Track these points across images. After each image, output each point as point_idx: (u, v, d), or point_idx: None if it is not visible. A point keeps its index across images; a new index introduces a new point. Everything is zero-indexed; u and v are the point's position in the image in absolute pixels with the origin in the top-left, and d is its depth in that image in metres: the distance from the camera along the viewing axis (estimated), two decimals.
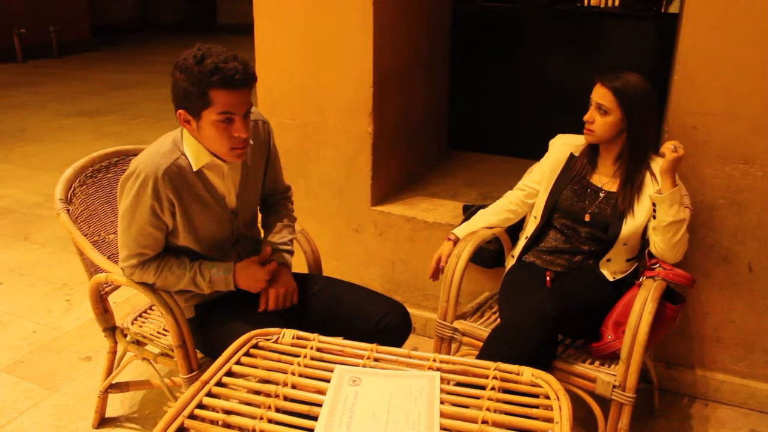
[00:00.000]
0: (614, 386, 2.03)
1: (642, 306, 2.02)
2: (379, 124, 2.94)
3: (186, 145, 1.93)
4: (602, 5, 12.89)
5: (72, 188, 2.38)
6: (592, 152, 2.39)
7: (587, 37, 3.66)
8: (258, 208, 2.28)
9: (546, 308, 2.05)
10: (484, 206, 2.62)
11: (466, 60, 3.76)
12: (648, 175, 2.28)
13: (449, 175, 3.47)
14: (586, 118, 2.27)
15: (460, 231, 2.50)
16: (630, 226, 2.26)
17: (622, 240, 2.27)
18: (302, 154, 3.08)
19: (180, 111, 1.86)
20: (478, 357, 2.05)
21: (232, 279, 2.03)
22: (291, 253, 2.23)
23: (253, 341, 1.68)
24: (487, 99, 3.81)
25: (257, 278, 2.07)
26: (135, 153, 2.51)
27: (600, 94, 2.23)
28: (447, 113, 3.79)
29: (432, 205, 3.07)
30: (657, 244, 2.22)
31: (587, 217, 2.32)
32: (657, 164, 2.27)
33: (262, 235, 2.28)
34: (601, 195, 2.32)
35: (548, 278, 2.36)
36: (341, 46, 2.86)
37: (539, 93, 3.70)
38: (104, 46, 13.13)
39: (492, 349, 2.03)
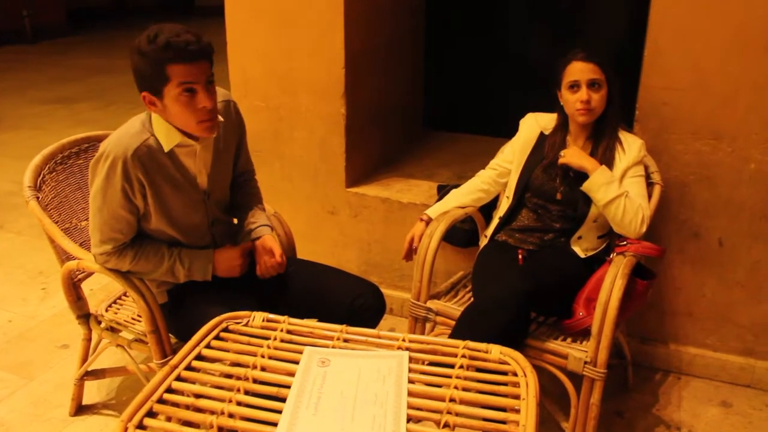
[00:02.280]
0: (585, 362, 2.05)
1: (612, 282, 2.04)
2: (352, 106, 2.93)
3: (155, 126, 1.92)
4: None
5: (41, 175, 2.36)
6: (562, 130, 2.39)
7: (562, 14, 3.65)
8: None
9: (518, 285, 2.06)
10: (458, 186, 2.63)
11: (440, 39, 3.74)
12: (618, 149, 2.30)
13: (424, 156, 3.47)
14: (582, 99, 2.22)
15: (433, 211, 2.50)
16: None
17: (591, 218, 2.29)
18: (276, 137, 3.07)
19: (143, 93, 1.85)
20: (451, 336, 2.07)
21: (211, 268, 2.04)
22: (272, 228, 2.24)
23: (223, 325, 1.68)
24: (462, 78, 3.79)
25: (232, 260, 2.08)
26: (106, 137, 2.49)
27: (589, 70, 2.22)
28: (422, 93, 3.78)
29: (407, 185, 3.07)
30: (611, 223, 2.27)
31: (559, 196, 2.34)
32: (625, 137, 2.31)
33: (236, 220, 2.28)
34: (571, 174, 2.32)
35: (520, 256, 2.37)
36: (312, 26, 2.84)
37: (514, 71, 3.69)
38: (80, 31, 12.94)
39: (464, 328, 2.05)
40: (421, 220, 2.50)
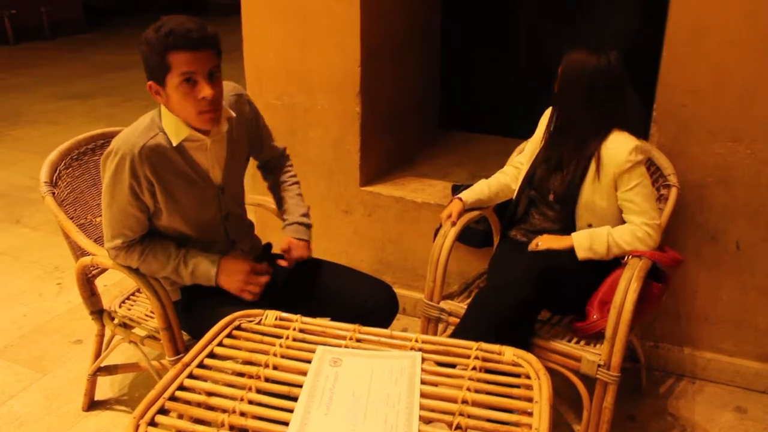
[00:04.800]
0: (599, 365, 2.04)
1: (627, 285, 2.02)
2: (367, 104, 2.93)
3: (164, 120, 1.92)
4: None
5: (57, 171, 2.37)
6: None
7: (584, 13, 3.63)
8: (243, 184, 2.27)
9: (531, 265, 2.06)
10: (471, 186, 2.61)
11: (457, 37, 3.72)
12: (619, 155, 2.16)
13: (439, 155, 3.46)
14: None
15: (466, 194, 2.46)
16: (587, 203, 2.24)
17: (583, 224, 2.26)
18: (290, 136, 3.06)
19: (149, 83, 1.86)
20: (463, 318, 2.07)
21: (214, 274, 2.00)
22: (309, 226, 2.28)
23: (236, 323, 1.68)
24: (478, 77, 3.77)
25: (237, 272, 2.02)
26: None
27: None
28: (438, 92, 3.77)
29: (421, 185, 3.06)
30: None
31: (551, 196, 2.31)
32: (616, 140, 2.20)
33: (281, 206, 2.33)
34: (566, 174, 2.28)
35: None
36: (328, 21, 2.84)
37: (530, 71, 3.67)
38: (97, 28, 13.04)
39: (474, 314, 2.04)
40: (458, 199, 2.45)
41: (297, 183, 2.38)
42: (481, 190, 2.47)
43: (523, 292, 2.03)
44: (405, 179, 3.14)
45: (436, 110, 3.81)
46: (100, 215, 2.42)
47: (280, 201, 2.35)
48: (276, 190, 2.37)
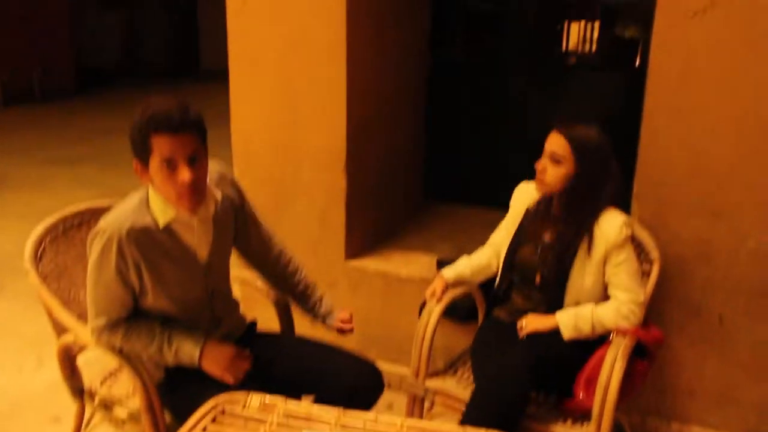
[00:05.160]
0: None
1: (612, 364, 2.03)
2: (353, 178, 2.96)
3: (152, 200, 1.93)
4: (579, 50, 13.22)
5: (42, 245, 2.37)
6: (543, 207, 2.35)
7: (566, 87, 3.74)
8: (229, 262, 2.26)
9: (520, 360, 2.05)
10: (456, 260, 2.62)
11: (443, 108, 3.80)
12: (610, 230, 2.19)
13: (425, 227, 3.49)
14: (538, 167, 2.22)
15: (449, 271, 2.46)
16: (576, 285, 2.25)
17: (570, 302, 2.26)
18: (276, 209, 3.08)
19: (135, 163, 1.88)
20: (467, 415, 2.05)
21: (198, 354, 1.97)
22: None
23: (219, 407, 1.66)
24: (466, 148, 3.84)
25: (221, 355, 1.98)
26: (110, 209, 2.50)
27: (555, 143, 2.19)
28: (424, 163, 3.82)
29: (406, 258, 3.08)
30: None
31: (538, 279, 2.30)
32: (606, 217, 2.22)
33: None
34: (550, 254, 2.28)
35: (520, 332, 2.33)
36: (315, 97, 2.89)
37: (517, 141, 3.75)
38: (88, 91, 13.16)
39: (473, 416, 2.02)
40: (441, 277, 2.45)
41: (310, 279, 2.41)
42: (463, 268, 2.48)
43: (524, 386, 2.04)
44: (390, 252, 3.16)
45: (423, 181, 3.86)
46: (85, 291, 2.42)
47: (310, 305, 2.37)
48: (301, 298, 2.37)
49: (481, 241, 2.63)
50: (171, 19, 14.79)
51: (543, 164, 2.21)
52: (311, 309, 2.34)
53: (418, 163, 3.78)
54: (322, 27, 2.81)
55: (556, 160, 2.18)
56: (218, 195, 2.03)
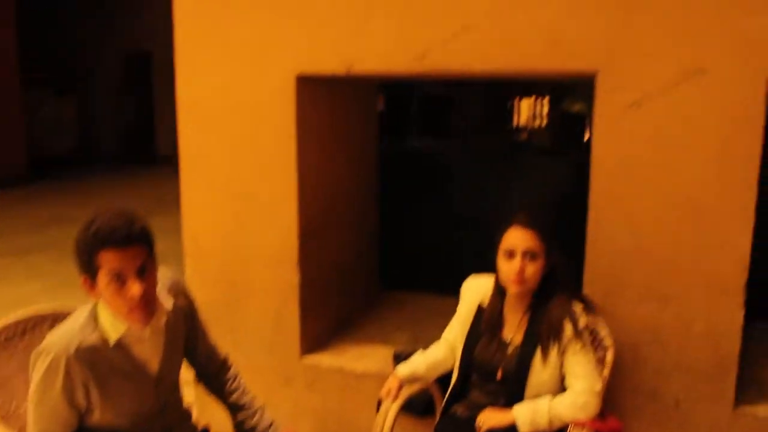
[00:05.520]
0: None
1: None
2: (306, 274, 2.95)
3: (101, 316, 1.88)
4: (531, 126, 13.61)
5: None
6: (498, 302, 2.32)
7: (515, 171, 3.82)
8: (180, 375, 2.21)
9: None
10: (413, 354, 2.60)
11: (397, 197, 3.85)
12: (567, 322, 2.19)
13: (381, 317, 3.47)
14: (516, 271, 2.15)
15: (403, 369, 2.42)
16: (537, 379, 2.22)
17: (530, 395, 2.23)
18: (229, 308, 3.04)
19: (83, 279, 1.84)
20: None
21: None
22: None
23: None
24: (420, 236, 3.88)
25: None
26: (53, 316, 2.43)
27: (526, 239, 2.15)
28: (378, 253, 3.83)
29: (363, 352, 3.04)
30: None
31: (499, 375, 2.27)
32: (573, 308, 2.24)
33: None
34: (510, 349, 2.28)
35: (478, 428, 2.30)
36: (266, 196, 2.91)
37: (471, 227, 3.79)
38: (41, 180, 13.02)
39: None
40: (395, 376, 2.40)
41: (249, 394, 2.28)
42: (418, 365, 2.46)
43: None
44: (346, 346, 3.13)
45: (377, 270, 3.86)
46: (26, 404, 2.33)
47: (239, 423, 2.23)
48: (232, 409, 2.24)
49: (439, 328, 2.61)
50: (127, 105, 14.87)
51: (520, 264, 2.15)
52: (245, 425, 2.24)
53: (373, 253, 3.79)
54: (271, 127, 2.86)
55: (532, 257, 2.16)
56: (169, 303, 2.00)
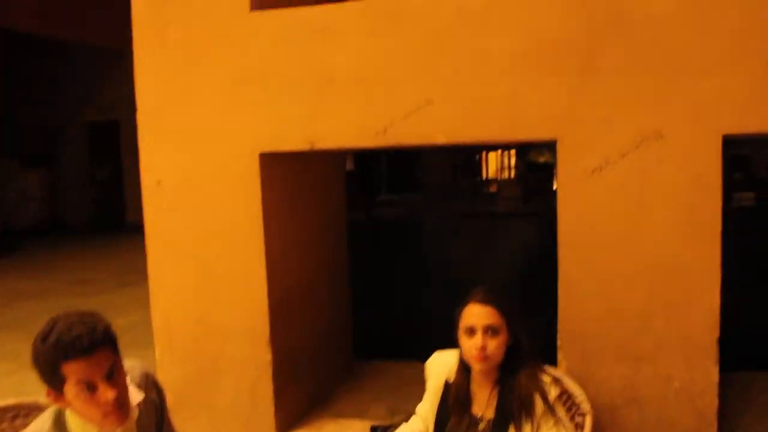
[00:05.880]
0: None
1: None
2: (278, 350, 2.91)
3: (70, 420, 1.81)
4: (499, 177, 13.80)
5: None
6: (464, 379, 2.22)
7: (484, 233, 3.83)
8: None
9: None
10: (390, 427, 2.55)
11: (368, 266, 3.83)
12: (537, 396, 2.12)
13: (356, 389, 3.42)
14: (478, 347, 2.07)
15: None
16: None
17: None
18: (201, 387, 2.98)
19: (48, 391, 1.77)
20: None
21: None
22: None
23: None
24: (394, 302, 3.85)
25: None
26: (28, 407, 2.35)
27: (485, 315, 2.09)
28: (351, 324, 3.79)
29: (340, 426, 2.99)
30: None
31: None
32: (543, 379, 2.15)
33: None
34: (482, 426, 2.19)
35: None
36: (234, 275, 2.88)
37: (444, 291, 3.78)
38: (10, 253, 12.79)
39: None
40: None
41: None
42: None
43: None
44: (323, 421, 3.07)
45: (351, 341, 3.81)
46: None
47: None
48: None
49: (416, 396, 2.54)
50: (95, 174, 14.79)
51: (481, 342, 2.08)
52: None
53: (346, 325, 3.75)
54: (237, 205, 2.85)
55: (493, 333, 2.09)
56: (140, 397, 1.94)
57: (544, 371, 2.21)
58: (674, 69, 2.36)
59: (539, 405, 2.10)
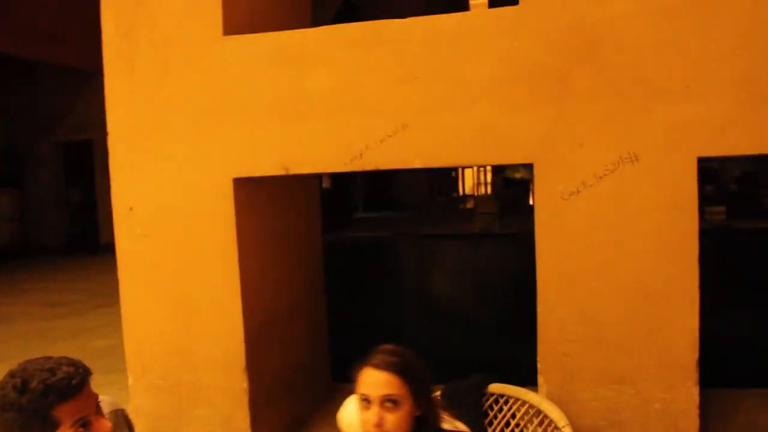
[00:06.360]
0: None
1: None
2: (255, 378, 2.85)
3: None
4: (476, 193, 13.85)
5: None
6: None
7: (460, 256, 3.82)
8: None
9: None
10: None
11: (344, 290, 3.80)
12: None
13: (334, 414, 3.35)
14: (374, 422, 1.72)
15: None
16: None
17: None
18: (177, 417, 2.91)
19: None
20: None
21: None
22: None
23: None
24: (371, 324, 3.82)
25: None
26: None
27: (383, 384, 1.73)
28: (328, 347, 3.75)
29: None
30: None
31: None
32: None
33: None
34: None
35: None
36: (210, 304, 2.83)
37: (422, 312, 3.76)
38: None
39: None
40: None
41: None
42: None
43: None
44: None
45: (329, 365, 3.76)
46: None
47: None
48: None
49: None
50: (68, 195, 14.62)
51: (377, 415, 1.72)
52: None
53: (323, 349, 3.70)
54: (210, 231, 2.80)
55: (392, 404, 1.73)
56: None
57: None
58: (647, 94, 2.37)
59: None
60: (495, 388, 2.54)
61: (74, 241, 14.36)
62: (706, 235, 2.43)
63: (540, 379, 2.56)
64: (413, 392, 1.75)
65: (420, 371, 1.80)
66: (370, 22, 2.63)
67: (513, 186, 10.93)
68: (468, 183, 13.62)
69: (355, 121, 2.60)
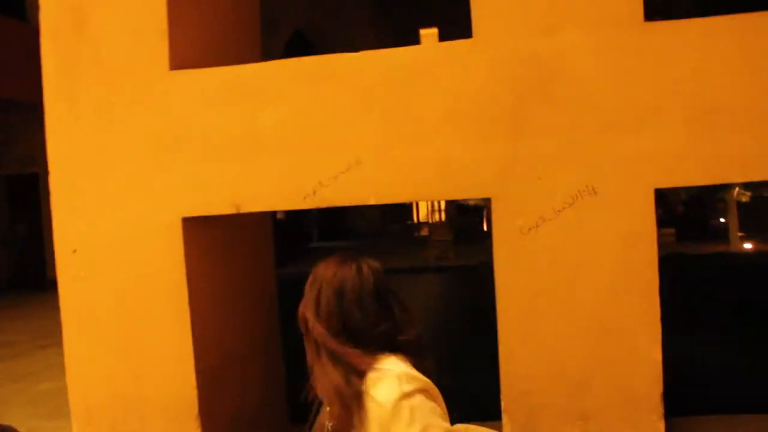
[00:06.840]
0: None
1: None
2: (208, 425, 2.72)
3: None
4: (430, 221, 13.84)
5: None
6: None
7: (417, 290, 3.76)
8: None
9: None
10: None
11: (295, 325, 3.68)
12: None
13: None
14: None
15: None
16: None
17: None
18: None
19: None
20: None
21: None
22: None
23: None
24: None
25: None
26: None
27: None
28: (284, 387, 3.63)
29: None
30: None
31: None
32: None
33: None
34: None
35: None
36: (159, 347, 2.71)
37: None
38: None
39: None
40: None
41: None
42: None
43: None
44: None
45: (286, 408, 3.64)
46: None
47: None
48: None
49: None
50: (14, 229, 14.19)
51: None
52: None
53: (280, 391, 3.57)
54: (159, 272, 2.69)
55: None
56: None
57: (402, 376, 1.51)
58: (602, 126, 2.36)
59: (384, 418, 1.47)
60: (459, 428, 2.47)
61: (20, 277, 13.90)
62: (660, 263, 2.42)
63: (504, 418, 2.50)
64: None
65: None
66: (322, 56, 2.58)
67: (467, 213, 10.96)
68: (423, 210, 13.62)
69: (307, 157, 2.53)
